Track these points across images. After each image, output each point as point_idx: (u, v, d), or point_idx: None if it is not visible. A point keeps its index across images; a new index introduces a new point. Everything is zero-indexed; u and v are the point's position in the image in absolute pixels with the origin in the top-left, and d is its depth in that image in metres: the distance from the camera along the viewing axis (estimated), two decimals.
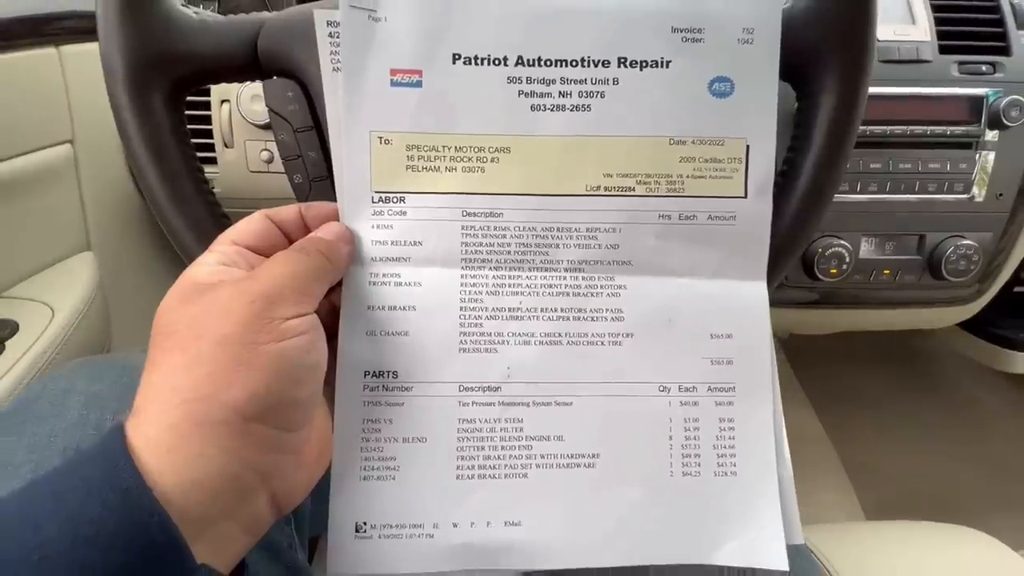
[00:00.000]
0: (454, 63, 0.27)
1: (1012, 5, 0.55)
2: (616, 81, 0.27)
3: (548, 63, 0.27)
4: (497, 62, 0.27)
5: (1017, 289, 0.70)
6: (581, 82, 0.27)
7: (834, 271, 0.54)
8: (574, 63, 0.27)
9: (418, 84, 0.27)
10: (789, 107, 0.31)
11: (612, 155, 0.27)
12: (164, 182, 0.29)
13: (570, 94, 0.27)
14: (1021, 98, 0.52)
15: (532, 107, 0.27)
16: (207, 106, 0.58)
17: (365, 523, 0.26)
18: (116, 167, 0.67)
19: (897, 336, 0.97)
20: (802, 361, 1.05)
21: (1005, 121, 0.52)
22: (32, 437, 0.31)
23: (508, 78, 0.27)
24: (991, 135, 0.53)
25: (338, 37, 0.26)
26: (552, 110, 0.27)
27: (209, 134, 0.58)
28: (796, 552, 0.36)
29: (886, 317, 0.63)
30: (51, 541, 0.17)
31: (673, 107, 0.27)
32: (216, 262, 0.24)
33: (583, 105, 0.27)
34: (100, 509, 0.18)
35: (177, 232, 0.29)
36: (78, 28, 0.61)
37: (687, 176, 0.28)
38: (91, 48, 0.61)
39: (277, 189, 0.58)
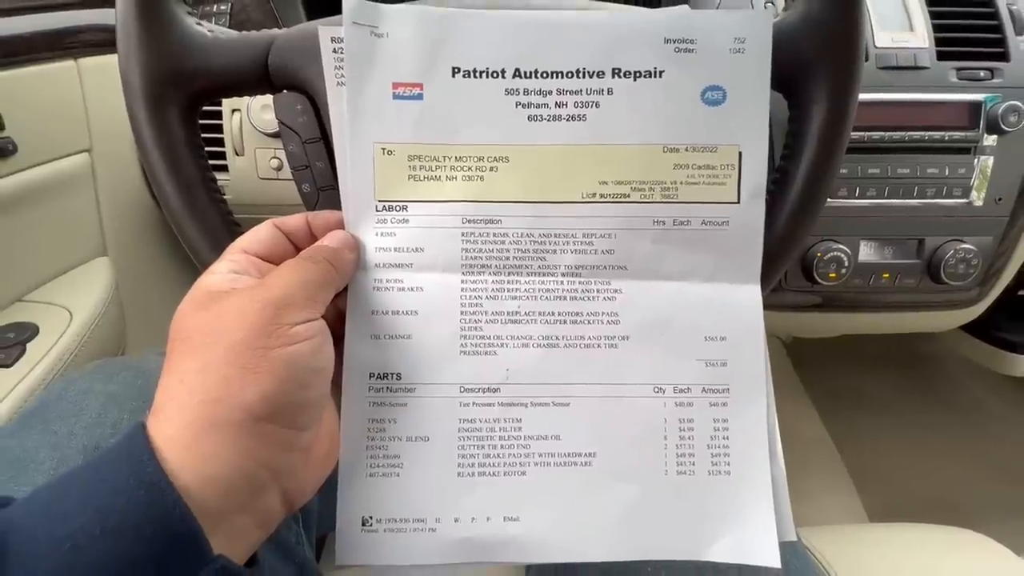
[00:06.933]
0: (454, 76, 0.27)
1: (1010, 11, 0.55)
2: (610, 91, 0.28)
3: (544, 75, 0.28)
4: (495, 75, 0.27)
5: (1021, 292, 0.70)
6: (576, 93, 0.28)
7: (833, 275, 0.54)
8: (570, 74, 0.28)
9: (419, 97, 0.27)
10: (784, 115, 0.31)
11: (607, 163, 0.28)
12: (179, 192, 0.30)
13: (566, 104, 0.28)
14: (1019, 103, 0.52)
15: (529, 117, 0.28)
16: (219, 115, 0.59)
17: (371, 517, 0.27)
18: (132, 175, 0.69)
19: (900, 339, 0.97)
20: (805, 364, 1.05)
21: (1003, 126, 0.52)
22: (54, 435, 0.33)
23: (506, 90, 0.28)
24: (990, 140, 0.53)
25: (342, 52, 0.27)
26: (549, 120, 0.28)
27: (221, 142, 0.59)
28: (791, 550, 0.36)
29: (886, 321, 0.63)
30: (81, 531, 0.18)
31: (667, 115, 0.28)
32: (228, 270, 0.25)
33: (579, 115, 0.28)
34: (126, 502, 0.19)
35: (191, 240, 0.31)
36: (95, 41, 0.62)
37: (681, 183, 0.28)
38: (108, 60, 0.63)
39: (286, 195, 0.59)
